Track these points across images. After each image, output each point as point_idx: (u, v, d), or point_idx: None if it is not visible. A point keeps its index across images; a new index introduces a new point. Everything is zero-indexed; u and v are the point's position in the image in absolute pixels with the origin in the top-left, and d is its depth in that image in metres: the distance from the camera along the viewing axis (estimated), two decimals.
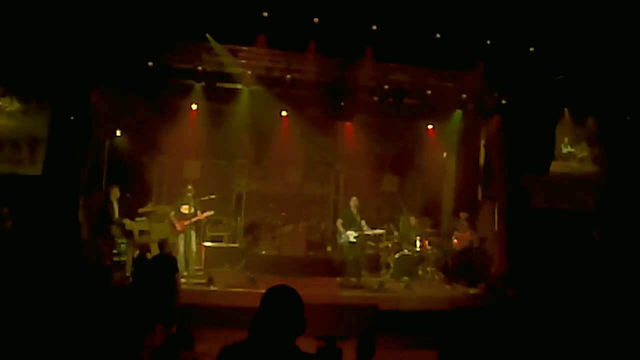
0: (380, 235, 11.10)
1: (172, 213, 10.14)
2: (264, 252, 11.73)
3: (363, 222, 10.29)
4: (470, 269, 10.94)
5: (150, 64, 9.90)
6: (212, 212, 10.54)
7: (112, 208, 9.76)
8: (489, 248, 11.49)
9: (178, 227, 9.99)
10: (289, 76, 10.58)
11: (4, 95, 9.67)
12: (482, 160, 12.40)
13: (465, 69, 10.71)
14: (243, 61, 10.37)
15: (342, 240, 10.25)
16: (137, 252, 8.92)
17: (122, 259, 10.08)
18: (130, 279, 8.91)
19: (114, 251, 10.07)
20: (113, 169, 10.92)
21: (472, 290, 10.30)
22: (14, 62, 9.33)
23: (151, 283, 7.14)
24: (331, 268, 10.85)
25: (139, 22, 8.98)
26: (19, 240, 8.74)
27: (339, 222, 10.41)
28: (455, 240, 11.34)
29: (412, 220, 11.61)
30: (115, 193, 9.97)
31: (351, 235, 10.13)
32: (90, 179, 10.08)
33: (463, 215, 11.51)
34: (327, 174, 13.62)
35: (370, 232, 10.51)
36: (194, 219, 10.17)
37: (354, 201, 10.46)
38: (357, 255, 10.32)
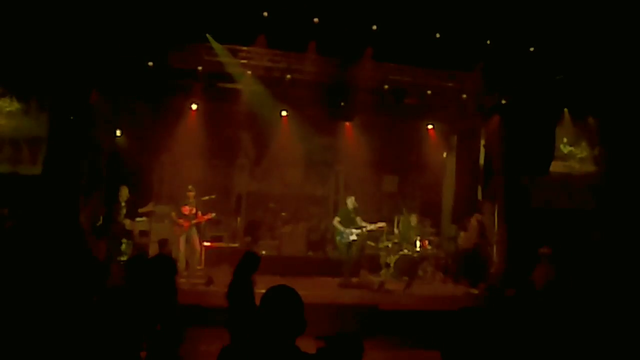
0: (381, 227, 10.93)
1: (173, 214, 10.16)
2: (264, 252, 11.71)
3: (358, 219, 10.25)
4: (471, 269, 10.93)
5: (150, 64, 9.91)
6: (213, 215, 10.55)
7: (119, 208, 9.73)
8: (489, 248, 11.49)
9: (183, 224, 10.02)
10: (289, 76, 10.57)
11: (4, 95, 9.67)
12: (482, 160, 12.39)
13: (465, 69, 10.70)
14: (243, 61, 10.35)
15: (343, 239, 10.22)
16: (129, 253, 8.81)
17: (122, 259, 10.08)
18: (124, 280, 8.85)
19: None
20: (113, 169, 10.93)
21: (472, 290, 10.30)
22: (14, 62, 9.32)
23: (149, 284, 7.11)
24: (331, 268, 10.83)
25: (139, 22, 8.98)
26: (19, 241, 8.72)
27: (336, 220, 10.34)
28: (461, 241, 11.32)
29: (413, 219, 11.57)
30: (124, 194, 9.92)
31: (353, 233, 10.12)
32: (90, 179, 10.07)
33: (477, 216, 11.46)
34: (327, 174, 13.60)
35: (369, 226, 10.40)
36: (194, 221, 10.18)
37: (351, 200, 10.44)
38: (357, 255, 10.31)
